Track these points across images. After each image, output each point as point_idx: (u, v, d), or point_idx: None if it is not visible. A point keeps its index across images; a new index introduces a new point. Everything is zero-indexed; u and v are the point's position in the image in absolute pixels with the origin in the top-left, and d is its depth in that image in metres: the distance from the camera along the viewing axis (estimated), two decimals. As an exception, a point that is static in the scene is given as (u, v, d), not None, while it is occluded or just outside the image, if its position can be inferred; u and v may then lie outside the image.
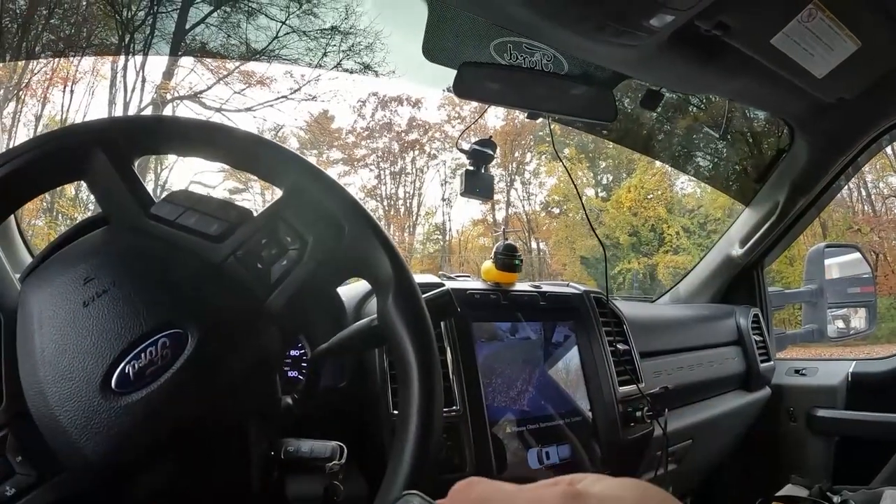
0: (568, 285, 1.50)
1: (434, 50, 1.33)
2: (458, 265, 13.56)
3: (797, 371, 2.16)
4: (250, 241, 0.66)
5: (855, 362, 2.05)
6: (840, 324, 2.42)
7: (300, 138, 12.86)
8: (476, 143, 1.39)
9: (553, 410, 1.29)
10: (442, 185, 13.96)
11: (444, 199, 14.01)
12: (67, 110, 9.64)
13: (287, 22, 8.70)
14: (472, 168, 1.40)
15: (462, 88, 1.31)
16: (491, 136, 1.41)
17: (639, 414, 1.38)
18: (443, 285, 1.18)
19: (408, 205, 14.32)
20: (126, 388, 0.55)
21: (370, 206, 13.45)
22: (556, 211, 14.23)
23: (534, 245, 14.07)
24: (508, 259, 1.34)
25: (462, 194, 1.40)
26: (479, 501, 0.34)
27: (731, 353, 1.98)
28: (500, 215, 14.21)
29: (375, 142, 14.04)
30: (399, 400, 0.66)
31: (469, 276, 1.41)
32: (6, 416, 0.57)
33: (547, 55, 1.38)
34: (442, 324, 1.17)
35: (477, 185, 1.40)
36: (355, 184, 13.97)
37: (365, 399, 1.11)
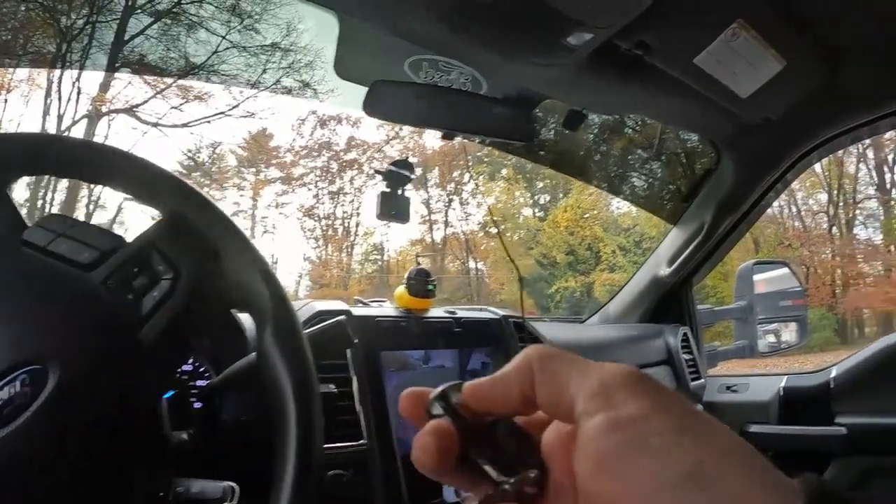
0: (486, 310, 1.46)
1: (346, 66, 1.29)
2: (397, 285, 13.62)
3: (729, 388, 2.17)
4: (122, 269, 0.62)
5: (786, 377, 2.05)
6: (771, 338, 2.46)
7: (238, 156, 12.73)
8: (393, 164, 1.34)
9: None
10: (381, 204, 14.01)
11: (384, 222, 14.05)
12: (0, 119, 9.36)
13: (227, 37, 8.61)
14: (388, 190, 1.35)
15: (372, 107, 1.25)
16: (407, 157, 1.36)
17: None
18: (348, 313, 1.14)
19: (346, 224, 14.29)
20: None
21: (308, 225, 13.37)
22: (494, 231, 14.40)
23: (472, 265, 14.18)
24: (421, 285, 1.29)
25: (378, 217, 1.35)
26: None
27: (661, 373, 1.97)
28: (438, 235, 14.29)
29: (314, 160, 13.98)
30: (277, 440, 0.63)
31: (385, 301, 1.37)
32: None
33: (465, 73, 1.34)
34: (348, 353, 1.12)
35: (393, 207, 1.35)
36: (293, 203, 13.89)
37: (267, 434, 1.05)
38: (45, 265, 0.61)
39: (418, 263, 1.32)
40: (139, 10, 8.51)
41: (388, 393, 1.15)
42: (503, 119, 1.40)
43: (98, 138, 9.41)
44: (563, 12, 1.06)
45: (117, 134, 9.75)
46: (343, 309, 1.18)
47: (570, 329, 2.01)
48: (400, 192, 1.36)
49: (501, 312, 1.45)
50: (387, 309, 1.30)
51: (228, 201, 12.20)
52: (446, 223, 14.46)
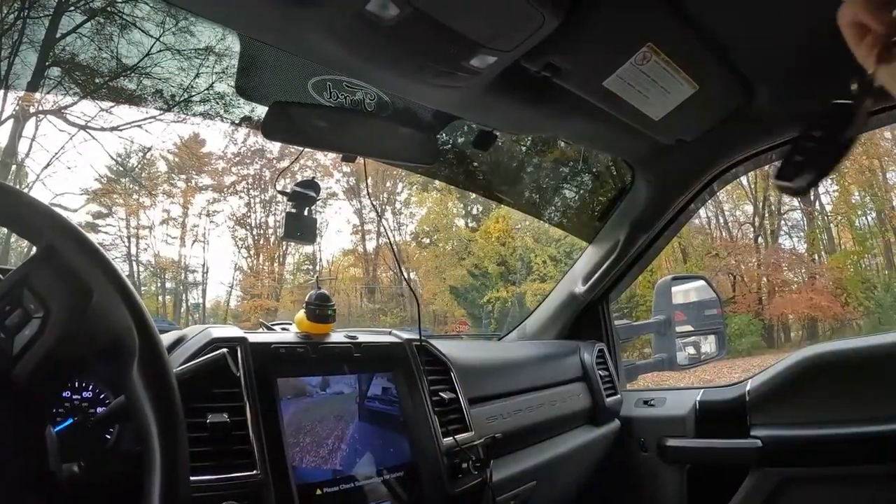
0: (390, 333, 1.45)
1: (247, 87, 1.26)
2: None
3: (646, 402, 2.21)
4: None
5: (702, 391, 2.10)
6: (690, 350, 2.52)
7: (168, 161, 12.42)
8: (298, 184, 1.32)
9: (372, 467, 1.23)
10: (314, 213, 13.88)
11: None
12: (-86, 120, 8.95)
13: (161, 38, 8.38)
14: (293, 211, 1.33)
15: (271, 129, 1.22)
16: (315, 178, 1.34)
17: (465, 465, 1.34)
18: (244, 340, 1.11)
19: (278, 234, 14.04)
20: None
21: (239, 234, 13.14)
22: (427, 241, 14.38)
23: (406, 276, 14.21)
24: (321, 309, 1.27)
25: (283, 238, 1.33)
26: None
27: (576, 390, 1.99)
28: (370, 245, 14.24)
29: (246, 168, 13.75)
30: (144, 476, 0.61)
31: (290, 324, 1.34)
32: None
33: (370, 94, 1.33)
34: (242, 381, 1.09)
35: (299, 228, 1.33)
36: (224, 211, 13.63)
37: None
38: None
39: (318, 287, 1.30)
40: (73, 8, 8.25)
41: (283, 420, 1.13)
42: (406, 141, 1.39)
43: (25, 140, 9.10)
44: (465, 35, 1.06)
45: (44, 136, 9.40)
46: (239, 336, 1.14)
47: (484, 347, 2.02)
48: (306, 212, 1.34)
49: (405, 335, 1.43)
50: (286, 335, 1.27)
51: (158, 209, 11.87)
52: (378, 233, 14.41)
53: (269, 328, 1.32)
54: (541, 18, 1.04)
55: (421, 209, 14.36)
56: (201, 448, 1.00)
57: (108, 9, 8.41)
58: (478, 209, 14.56)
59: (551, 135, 1.86)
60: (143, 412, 0.62)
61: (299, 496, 1.09)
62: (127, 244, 12.72)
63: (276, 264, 13.97)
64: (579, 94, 1.36)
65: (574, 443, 1.89)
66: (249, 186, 13.84)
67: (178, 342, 1.13)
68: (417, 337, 1.43)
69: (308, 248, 14.18)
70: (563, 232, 12.97)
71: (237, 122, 11.87)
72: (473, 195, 14.12)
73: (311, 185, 1.33)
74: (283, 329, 1.32)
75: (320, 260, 14.41)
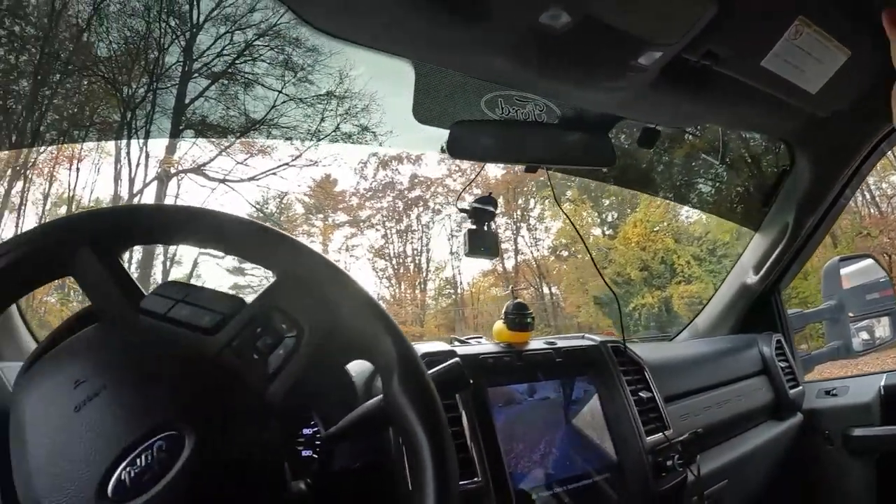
0: (583, 337, 1.46)
1: (425, 113, 1.31)
2: (472, 317, 13.43)
3: (828, 392, 2.10)
4: (245, 331, 0.64)
5: (886, 375, 1.99)
6: (864, 335, 2.37)
7: (305, 203, 12.88)
8: (476, 200, 1.37)
9: (580, 470, 1.24)
10: (449, 238, 13.89)
11: (452, 254, 13.99)
12: (74, 188, 9.76)
13: (283, 91, 8.89)
14: (474, 227, 1.37)
15: (456, 149, 1.28)
16: (490, 193, 1.38)
17: (669, 463, 1.33)
18: (453, 353, 1.15)
19: (416, 261, 14.23)
20: (123, 497, 0.53)
21: (379, 265, 13.44)
22: (565, 254, 14.15)
23: (546, 290, 13.99)
24: (520, 318, 1.30)
25: (467, 255, 1.37)
26: None
27: (758, 384, 1.93)
28: (509, 264, 14.17)
29: (379, 201, 13.99)
30: (412, 485, 0.64)
31: (481, 338, 1.38)
32: None
33: (539, 105, 1.36)
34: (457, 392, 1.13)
35: (481, 243, 1.37)
36: (363, 245, 13.97)
37: (383, 479, 1.07)
38: (167, 332, 0.63)
39: (514, 297, 1.34)
40: (196, 74, 8.90)
41: (497, 429, 1.16)
42: (582, 146, 1.41)
43: (169, 199, 9.79)
44: (631, 34, 1.07)
45: (187, 192, 10.08)
46: (447, 349, 1.20)
47: (663, 348, 1.99)
48: (486, 227, 1.38)
49: (598, 339, 1.44)
50: (487, 345, 1.31)
51: None
52: (516, 251, 14.34)
53: (462, 342, 1.36)
54: (701, 6, 1.04)
55: (556, 222, 14.18)
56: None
57: (229, 71, 8.98)
58: (612, 216, 14.26)
59: (711, 123, 1.82)
60: (410, 427, 0.65)
61: (517, 502, 1.12)
62: (273, 286, 13.24)
63: (417, 291, 14.19)
64: (738, 78, 1.33)
65: (760, 438, 1.82)
66: (384, 218, 14.18)
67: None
68: (609, 339, 1.44)
69: (447, 272, 14.32)
70: (702, 229, 12.51)
71: (365, 157, 12.35)
72: (606, 201, 13.92)
73: (489, 200, 1.37)
74: (477, 342, 1.36)
75: (460, 283, 14.54)
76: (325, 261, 0.71)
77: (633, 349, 1.49)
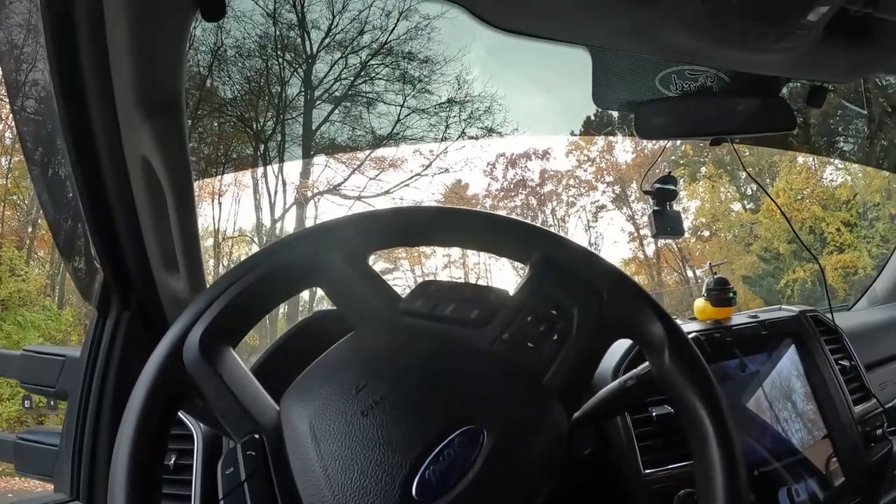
0: (780, 309, 1.41)
1: (604, 97, 1.31)
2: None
3: None
4: (515, 321, 0.64)
5: None
6: None
7: (440, 210, 13.14)
8: (658, 181, 1.36)
9: (793, 444, 1.21)
10: (586, 230, 13.68)
11: (590, 245, 13.79)
12: (218, 220, 10.35)
13: (405, 104, 9.13)
14: (658, 208, 1.37)
15: (645, 129, 1.28)
16: (670, 172, 1.37)
17: (879, 432, 1.28)
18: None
19: (649, 233, 14.04)
20: (429, 495, 0.53)
21: (517, 265, 13.42)
22: (706, 234, 13.51)
23: (689, 274, 13.44)
24: (723, 293, 1.28)
25: (654, 236, 1.36)
26: None
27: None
28: (649, 250, 13.76)
29: (512, 200, 13.94)
30: (695, 467, 0.63)
31: (675, 317, 1.36)
32: None
33: (709, 76, 1.33)
34: None
35: (668, 223, 1.36)
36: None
37: (611, 464, 1.07)
38: (435, 329, 0.64)
39: (714, 273, 1.31)
40: (319, 101, 9.31)
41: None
42: (762, 112, 1.36)
43: (309, 220, 10.27)
44: None
45: (324, 213, 10.52)
46: None
47: (847, 317, 1.86)
48: (669, 207, 1.37)
49: (797, 309, 1.38)
50: (692, 324, 1.29)
51: (438, 255, 12.54)
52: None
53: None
54: None
55: (693, 202, 13.59)
56: (651, 441, 1.06)
57: (350, 93, 9.34)
58: (752, 189, 13.49)
59: (877, 73, 1.72)
60: (690, 405, 0.64)
61: (749, 480, 1.10)
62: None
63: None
64: (899, 21, 1.26)
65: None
66: (521, 216, 14.26)
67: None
68: (807, 308, 1.39)
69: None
70: (850, 192, 11.56)
71: (493, 159, 12.46)
72: (743, 175, 13.18)
73: (670, 179, 1.36)
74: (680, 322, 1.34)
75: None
76: (581, 247, 0.71)
77: (830, 319, 1.42)
